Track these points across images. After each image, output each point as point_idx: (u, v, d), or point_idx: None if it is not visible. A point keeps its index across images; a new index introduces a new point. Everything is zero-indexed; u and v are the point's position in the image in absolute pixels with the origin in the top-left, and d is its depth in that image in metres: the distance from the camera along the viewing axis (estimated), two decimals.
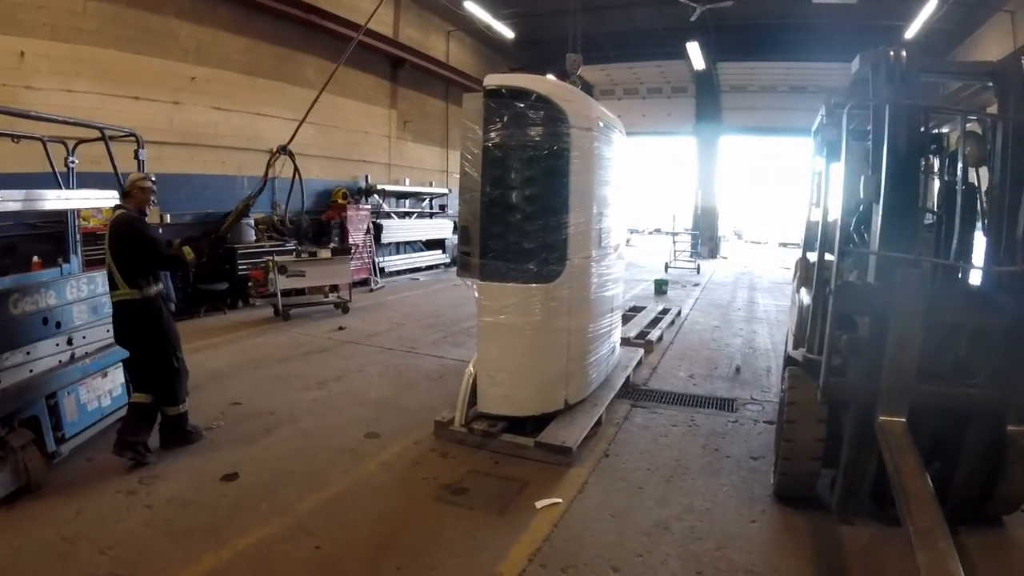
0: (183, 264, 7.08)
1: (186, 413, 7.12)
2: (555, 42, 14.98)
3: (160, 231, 14.09)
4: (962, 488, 5.15)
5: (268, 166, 7.27)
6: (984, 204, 5.17)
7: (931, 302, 4.71)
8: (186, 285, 14.63)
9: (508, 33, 25.72)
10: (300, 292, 15.66)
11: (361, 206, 20.64)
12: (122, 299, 6.71)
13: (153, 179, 7.07)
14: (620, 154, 8.75)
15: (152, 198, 7.03)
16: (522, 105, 6.94)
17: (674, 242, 27.40)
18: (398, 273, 22.66)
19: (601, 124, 7.81)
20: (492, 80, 7.15)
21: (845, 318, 5.10)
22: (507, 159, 7.01)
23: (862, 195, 5.25)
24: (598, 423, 7.72)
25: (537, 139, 6.96)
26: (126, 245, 6.64)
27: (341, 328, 13.73)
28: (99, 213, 11.00)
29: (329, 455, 7.05)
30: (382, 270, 21.35)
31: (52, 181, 8.09)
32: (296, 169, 7.49)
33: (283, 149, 7.20)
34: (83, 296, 7.13)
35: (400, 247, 23.42)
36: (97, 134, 7.96)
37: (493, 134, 6.99)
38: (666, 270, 24.32)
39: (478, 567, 5.03)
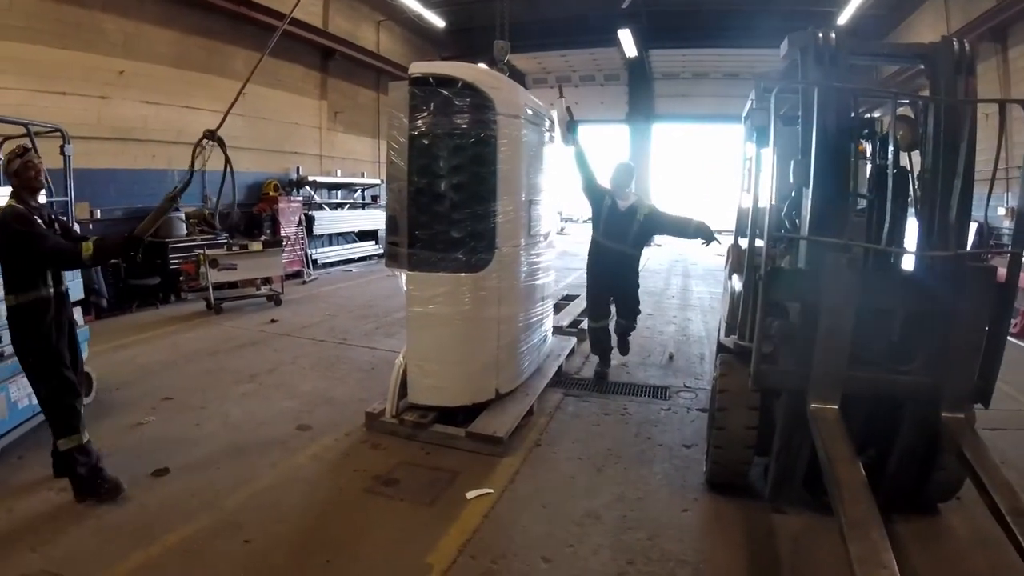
0: (75, 259, 5.83)
1: (74, 452, 5.77)
2: (486, 30, 14.90)
3: (91, 227, 13.93)
4: (897, 476, 5.13)
5: (194, 155, 6.31)
6: (916, 188, 5.14)
7: (863, 288, 4.66)
8: (117, 280, 14.46)
9: (439, 22, 25.63)
10: (232, 285, 15.54)
11: (293, 198, 20.49)
12: (7, 304, 5.90)
13: (28, 148, 5.98)
14: (549, 142, 8.70)
15: (33, 173, 5.80)
16: (448, 93, 6.87)
17: None
18: (331, 265, 22.55)
19: (529, 111, 7.77)
20: (417, 68, 7.06)
21: (776, 305, 5.07)
22: (433, 148, 6.96)
23: (792, 180, 5.21)
24: (530, 412, 7.71)
25: (463, 127, 6.91)
26: (6, 241, 5.67)
27: (273, 321, 13.59)
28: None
29: (259, 448, 6.96)
30: (315, 262, 21.19)
31: None
32: (227, 159, 6.45)
33: (211, 135, 6.32)
34: None
35: (333, 238, 23.29)
36: (23, 130, 7.80)
37: (419, 122, 6.92)
38: None
39: (408, 559, 4.98)
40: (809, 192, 4.92)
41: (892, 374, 4.90)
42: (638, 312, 10.03)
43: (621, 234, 9.16)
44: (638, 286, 9.86)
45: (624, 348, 10.25)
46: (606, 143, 38.51)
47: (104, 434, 7.13)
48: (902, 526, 5.22)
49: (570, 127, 9.62)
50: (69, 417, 5.80)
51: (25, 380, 6.84)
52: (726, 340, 6.37)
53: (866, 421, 5.11)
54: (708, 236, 9.03)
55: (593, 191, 9.41)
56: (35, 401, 6.95)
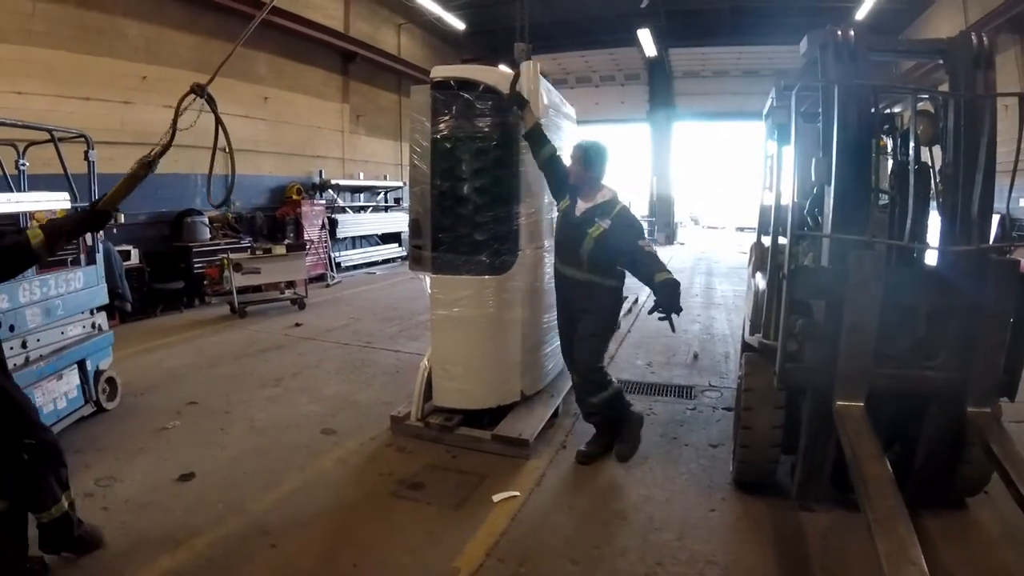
0: (29, 254, 4.43)
1: (68, 513, 4.81)
2: (506, 32, 14.89)
3: (115, 231, 14.00)
4: (923, 471, 5.12)
5: (177, 112, 5.19)
6: (938, 183, 5.13)
7: (886, 284, 4.66)
8: (141, 284, 14.59)
9: (459, 24, 25.64)
10: (256, 289, 15.60)
11: (316, 201, 20.57)
12: None
13: None
14: (571, 142, 8.67)
15: None
16: (469, 96, 6.88)
17: None
18: (355, 268, 22.64)
19: (550, 112, 7.76)
20: (439, 72, 7.08)
21: (800, 303, 5.05)
22: (456, 151, 6.96)
23: (814, 177, 5.20)
24: (555, 414, 7.70)
25: (485, 130, 6.91)
26: None
27: (297, 324, 13.61)
28: (53, 215, 10.91)
29: (285, 453, 6.99)
30: (338, 265, 21.23)
31: (3, 184, 8.01)
32: (219, 122, 5.38)
33: (201, 89, 5.28)
34: (36, 299, 6.98)
35: (356, 241, 23.34)
36: (48, 136, 7.88)
37: (441, 126, 6.93)
38: None
39: (434, 562, 4.99)
40: (831, 189, 4.92)
41: (917, 370, 4.89)
42: (595, 379, 6.74)
43: (570, 253, 6.76)
44: (594, 336, 6.75)
45: (601, 437, 6.99)
46: (628, 143, 38.52)
47: (129, 439, 7.26)
48: (930, 521, 5.19)
49: (513, 99, 6.94)
50: (40, 488, 4.69)
51: (51, 385, 7.06)
52: (751, 339, 6.35)
53: (892, 417, 5.09)
54: (669, 305, 5.99)
55: (558, 192, 7.13)
56: (60, 407, 7.18)
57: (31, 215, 8.05)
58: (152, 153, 4.99)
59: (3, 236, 4.79)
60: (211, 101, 5.29)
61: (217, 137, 5.33)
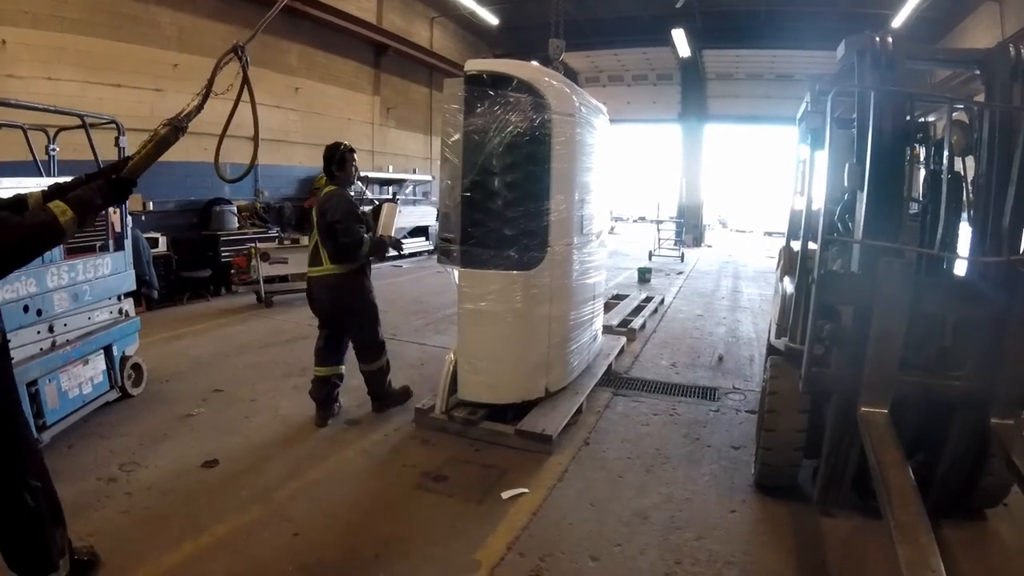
0: (58, 230, 3.71)
1: None
2: (539, 28, 14.94)
3: (143, 219, 14.09)
4: (945, 481, 5.10)
5: (215, 71, 4.95)
6: (970, 194, 5.11)
7: (915, 292, 4.65)
8: (168, 272, 14.71)
9: (492, 19, 25.70)
10: (283, 279, 15.56)
11: None
12: None
13: None
14: (603, 140, 8.68)
15: None
16: (503, 91, 6.86)
17: (658, 230, 27.08)
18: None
19: (583, 110, 7.73)
20: (473, 65, 7.08)
21: (828, 308, 5.05)
22: (487, 145, 6.90)
23: (846, 183, 5.19)
24: (579, 411, 7.69)
25: (518, 125, 6.87)
26: None
27: None
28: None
29: (309, 442, 7.06)
30: None
31: (33, 169, 8.04)
32: (246, 79, 5.23)
33: (241, 49, 5.15)
34: (64, 284, 7.04)
35: None
36: (78, 121, 7.92)
37: (473, 120, 6.90)
38: (650, 258, 24.06)
39: (456, 555, 5.01)
40: (863, 195, 4.90)
41: (943, 379, 4.88)
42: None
43: None
44: None
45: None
46: (659, 143, 38.52)
47: (154, 425, 7.35)
48: (948, 531, 5.16)
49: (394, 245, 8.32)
50: (39, 550, 4.07)
51: (77, 370, 7.09)
52: (777, 342, 6.35)
53: (916, 425, 5.09)
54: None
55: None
56: (85, 391, 7.24)
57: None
58: (183, 114, 4.69)
59: (19, 211, 3.82)
60: (244, 61, 5.14)
61: (239, 97, 5.14)
